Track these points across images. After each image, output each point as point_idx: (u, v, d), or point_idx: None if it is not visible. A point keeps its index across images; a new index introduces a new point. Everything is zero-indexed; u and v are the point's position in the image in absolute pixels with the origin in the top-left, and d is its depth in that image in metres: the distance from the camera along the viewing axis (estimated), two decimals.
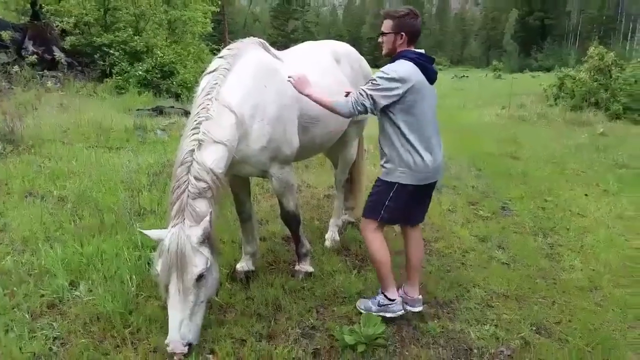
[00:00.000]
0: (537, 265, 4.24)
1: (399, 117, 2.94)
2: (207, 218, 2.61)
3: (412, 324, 3.25)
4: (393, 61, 3.01)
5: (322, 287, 3.62)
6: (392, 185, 3.02)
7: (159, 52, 12.75)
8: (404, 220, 3.27)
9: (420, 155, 2.97)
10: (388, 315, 3.20)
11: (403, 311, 3.25)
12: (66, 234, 4.04)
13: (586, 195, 6.41)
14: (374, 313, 3.19)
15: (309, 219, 4.96)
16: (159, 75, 12.43)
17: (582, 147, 9.69)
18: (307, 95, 3.11)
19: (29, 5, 14.41)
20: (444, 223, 5.17)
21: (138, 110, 9.81)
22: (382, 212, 3.09)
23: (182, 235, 2.57)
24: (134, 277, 3.33)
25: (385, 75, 2.89)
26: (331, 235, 4.45)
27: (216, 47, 19.59)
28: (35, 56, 11.21)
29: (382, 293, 3.27)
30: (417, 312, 3.35)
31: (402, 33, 3.00)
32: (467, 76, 43.71)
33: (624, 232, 5.10)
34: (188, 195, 2.69)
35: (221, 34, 32.90)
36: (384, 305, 3.23)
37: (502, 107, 15.80)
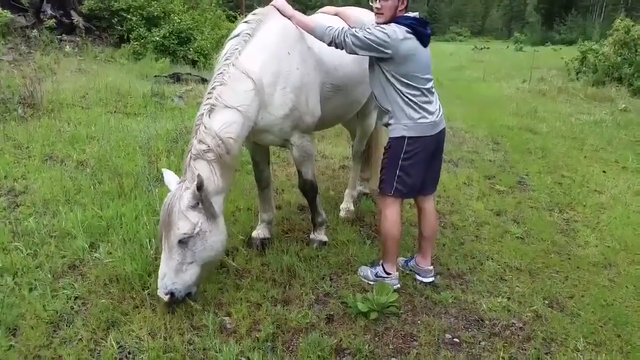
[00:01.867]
0: (551, 240, 4.23)
1: (393, 75, 2.97)
2: (195, 182, 2.62)
3: (425, 294, 3.29)
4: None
5: (336, 256, 3.67)
6: (402, 140, 3.03)
7: (176, 17, 12.63)
8: (418, 190, 3.25)
9: (418, 109, 3.00)
10: (393, 286, 3.24)
11: (399, 285, 3.31)
12: (86, 197, 4.11)
13: (604, 171, 6.34)
14: (370, 282, 3.31)
15: (324, 189, 4.98)
16: (176, 42, 12.33)
17: (602, 123, 9.50)
18: (290, 17, 3.21)
19: None
20: (459, 196, 5.16)
21: (155, 76, 9.80)
22: (395, 183, 3.10)
23: (177, 196, 2.68)
24: (152, 240, 3.39)
25: (383, 31, 2.90)
26: (346, 205, 4.47)
27: (233, 13, 19.38)
28: (53, 20, 11.18)
29: (382, 265, 3.33)
30: (427, 282, 3.40)
31: None
32: (488, 47, 42.57)
33: None
34: (190, 157, 2.77)
35: (237, 0, 32.42)
36: (380, 277, 3.30)
37: (523, 81, 15.48)
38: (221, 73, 2.94)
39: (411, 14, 3.02)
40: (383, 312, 2.98)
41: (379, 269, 3.33)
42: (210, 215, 2.73)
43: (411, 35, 2.92)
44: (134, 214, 3.79)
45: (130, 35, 12.58)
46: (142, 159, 4.87)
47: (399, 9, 3.02)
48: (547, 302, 3.28)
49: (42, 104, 6.56)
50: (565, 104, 11.72)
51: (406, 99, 2.98)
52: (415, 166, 3.07)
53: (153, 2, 13.00)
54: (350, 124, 4.66)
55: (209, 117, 2.82)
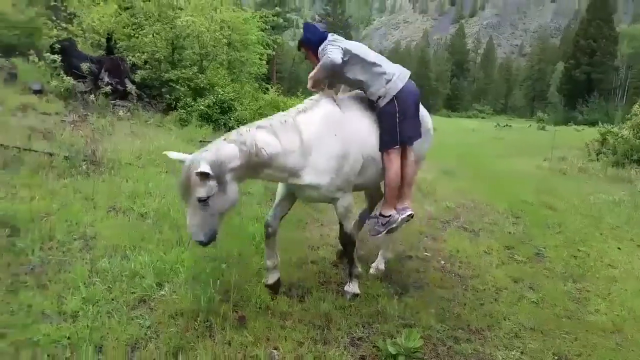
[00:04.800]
0: (564, 307, 4.61)
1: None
2: (213, 152, 3.33)
3: (447, 344, 3.70)
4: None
5: (368, 307, 4.11)
6: (391, 101, 3.97)
7: (220, 89, 13.79)
8: (412, 137, 4.14)
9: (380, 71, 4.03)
10: (394, 226, 4.12)
11: (400, 219, 4.11)
12: (149, 244, 4.69)
13: (619, 248, 6.68)
14: (383, 232, 4.17)
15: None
16: (219, 111, 13.41)
17: (620, 203, 9.85)
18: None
19: (104, 40, 15.86)
20: (480, 263, 5.58)
21: (200, 141, 10.64)
22: (397, 136, 3.97)
23: (194, 164, 3.27)
24: (210, 281, 3.91)
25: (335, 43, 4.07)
26: (377, 264, 4.94)
27: (265, 85, 20.76)
28: (109, 87, 12.35)
29: (380, 215, 4.17)
30: (406, 217, 4.13)
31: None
32: (510, 125, 43.69)
33: None
34: (223, 138, 3.54)
35: (270, 73, 34.42)
36: (386, 222, 4.10)
37: (544, 159, 16.02)
38: (284, 115, 3.84)
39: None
40: (410, 356, 3.38)
41: (380, 219, 4.15)
42: (223, 181, 3.35)
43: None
44: (192, 259, 4.35)
45: (177, 104, 13.72)
46: None
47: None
48: (556, 357, 3.66)
49: (102, 162, 7.31)
50: (585, 184, 12.13)
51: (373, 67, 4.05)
52: (407, 115, 4.05)
53: (200, 75, 14.24)
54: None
55: (256, 128, 3.62)
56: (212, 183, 3.29)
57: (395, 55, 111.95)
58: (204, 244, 3.43)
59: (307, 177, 3.75)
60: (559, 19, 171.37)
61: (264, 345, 3.33)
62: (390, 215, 4.10)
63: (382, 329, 3.80)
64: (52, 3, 16.16)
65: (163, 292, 3.87)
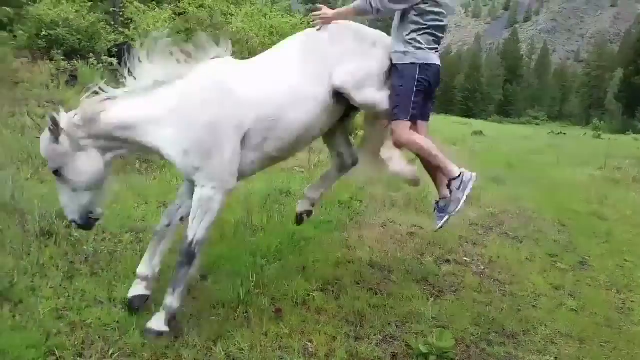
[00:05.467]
0: (605, 316, 4.51)
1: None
2: (50, 121, 2.97)
3: (480, 347, 3.73)
4: None
5: (402, 307, 4.18)
6: (414, 64, 3.39)
7: None
8: (420, 116, 3.61)
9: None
10: (471, 187, 3.47)
11: (472, 173, 3.50)
12: None
13: None
14: (465, 198, 3.48)
15: (394, 250, 5.52)
16: None
17: None
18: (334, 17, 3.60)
19: None
20: (521, 270, 5.51)
21: None
22: (411, 108, 3.43)
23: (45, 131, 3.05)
24: (250, 275, 4.10)
25: None
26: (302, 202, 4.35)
27: None
28: None
29: (449, 180, 3.54)
30: (470, 191, 3.50)
31: None
32: (565, 133, 42.17)
33: None
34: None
35: None
36: (459, 186, 3.47)
37: (599, 168, 15.45)
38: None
39: None
40: (442, 356, 3.43)
41: (452, 186, 3.51)
42: (73, 144, 3.06)
43: None
44: (234, 253, 4.55)
45: None
46: (240, 213, 5.70)
47: None
48: None
49: (154, 161, 7.67)
50: (638, 193, 11.65)
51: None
52: (425, 91, 3.52)
53: None
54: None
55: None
56: (60, 149, 3.03)
57: (445, 59, 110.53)
58: (79, 225, 3.32)
59: (158, 137, 3.21)
60: (619, 24, 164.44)
61: (298, 337, 3.47)
62: (460, 175, 3.48)
63: (415, 329, 3.86)
64: (111, 9, 16.99)
65: (206, 284, 4.08)
